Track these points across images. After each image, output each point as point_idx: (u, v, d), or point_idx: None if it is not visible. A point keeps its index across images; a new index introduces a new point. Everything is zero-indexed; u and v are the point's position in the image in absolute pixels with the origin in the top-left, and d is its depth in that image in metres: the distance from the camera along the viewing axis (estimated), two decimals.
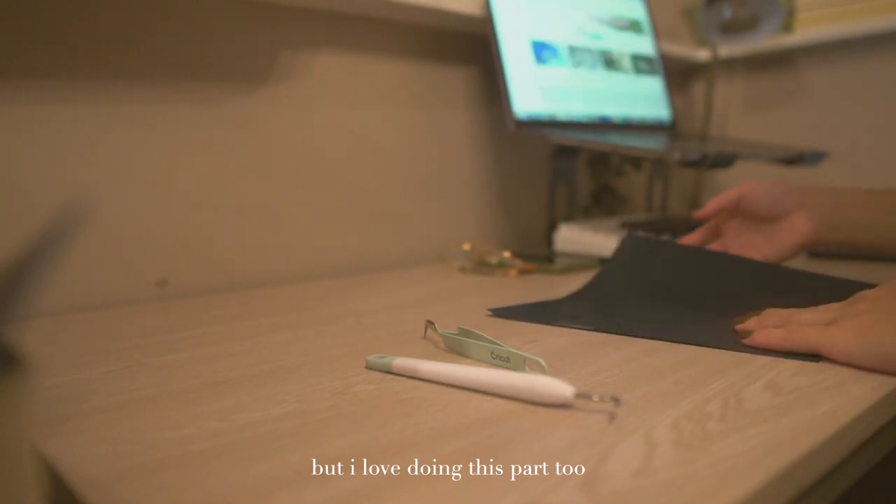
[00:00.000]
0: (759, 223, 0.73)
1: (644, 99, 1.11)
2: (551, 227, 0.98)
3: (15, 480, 0.19)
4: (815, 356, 0.45)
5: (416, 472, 0.29)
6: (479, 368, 0.40)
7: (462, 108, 1.02)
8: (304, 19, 0.83)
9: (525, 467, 0.30)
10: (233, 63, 0.77)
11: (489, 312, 0.61)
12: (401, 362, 0.43)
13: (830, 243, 0.70)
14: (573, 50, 1.02)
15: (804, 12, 1.23)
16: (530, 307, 0.62)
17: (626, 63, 1.10)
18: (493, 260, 0.86)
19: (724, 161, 0.83)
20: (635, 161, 1.23)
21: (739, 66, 1.36)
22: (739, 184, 0.74)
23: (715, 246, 0.75)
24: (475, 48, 1.01)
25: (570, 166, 1.03)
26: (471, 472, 0.29)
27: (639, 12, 1.16)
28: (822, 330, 0.45)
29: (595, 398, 0.36)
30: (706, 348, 0.48)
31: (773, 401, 0.38)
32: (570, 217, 1.05)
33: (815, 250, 0.92)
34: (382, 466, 0.30)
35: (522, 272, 0.83)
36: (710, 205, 0.75)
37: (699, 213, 0.76)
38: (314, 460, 0.31)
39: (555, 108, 0.96)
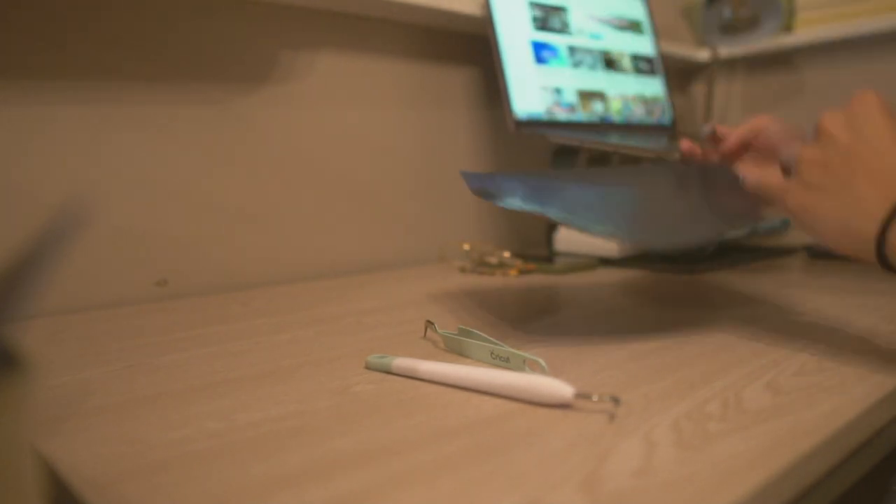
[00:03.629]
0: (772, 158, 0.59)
1: (644, 99, 1.11)
2: (551, 227, 0.98)
3: (15, 480, 0.19)
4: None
5: (416, 472, 0.29)
6: (479, 368, 0.40)
7: (462, 109, 1.02)
8: (304, 19, 0.83)
9: (525, 467, 0.30)
10: (233, 63, 0.77)
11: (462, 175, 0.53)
12: (400, 362, 0.43)
13: None
14: (573, 50, 1.02)
15: (804, 12, 1.23)
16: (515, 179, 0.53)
17: (626, 63, 1.10)
18: (493, 260, 0.86)
19: None
20: (635, 161, 1.23)
21: (739, 66, 1.36)
22: (754, 119, 0.62)
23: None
24: (475, 48, 1.01)
25: (570, 166, 1.03)
26: (471, 472, 0.29)
27: (639, 12, 1.16)
28: (783, 191, 0.45)
29: (595, 398, 0.36)
30: (706, 349, 0.48)
31: (773, 401, 0.38)
32: None
33: (817, 251, 0.92)
34: (382, 466, 0.30)
35: (522, 272, 0.83)
36: (733, 138, 0.60)
37: (726, 149, 0.60)
38: (314, 460, 0.31)
39: (555, 109, 0.96)
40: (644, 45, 1.15)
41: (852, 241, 0.39)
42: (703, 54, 1.35)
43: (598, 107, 1.03)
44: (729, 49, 1.29)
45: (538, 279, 0.79)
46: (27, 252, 0.19)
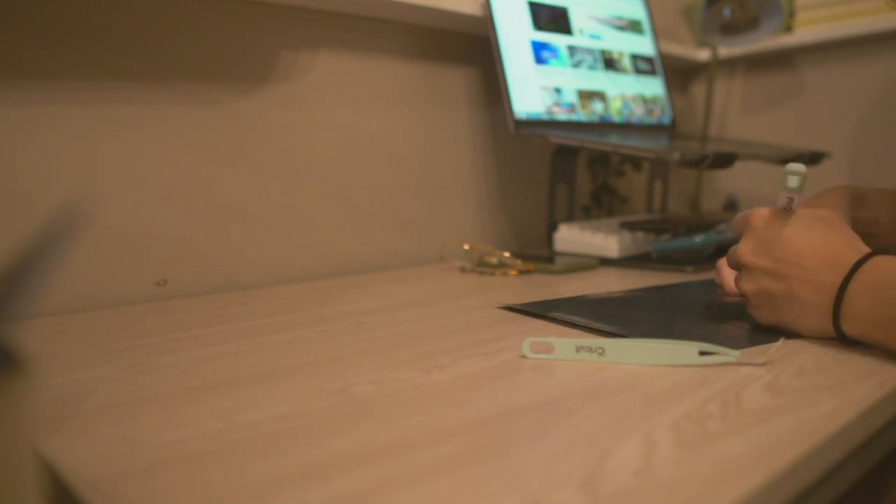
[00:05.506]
0: None
1: (644, 99, 1.11)
2: (551, 227, 0.98)
3: (15, 481, 0.19)
4: None
5: (415, 473, 0.29)
6: None
7: (462, 109, 1.02)
8: (304, 20, 0.83)
9: (525, 467, 0.30)
10: (233, 63, 0.77)
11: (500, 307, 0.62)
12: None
13: None
14: (573, 50, 1.02)
15: (804, 12, 1.23)
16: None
17: (626, 63, 1.10)
18: (493, 260, 0.86)
19: (724, 161, 0.83)
20: (635, 161, 1.23)
21: (739, 66, 1.36)
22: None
23: None
24: (475, 48, 1.01)
25: (570, 166, 1.03)
26: (471, 473, 0.29)
27: (639, 12, 1.16)
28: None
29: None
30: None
31: (773, 401, 0.38)
32: (570, 217, 1.05)
33: None
34: (382, 466, 0.30)
35: (522, 272, 0.83)
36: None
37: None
38: (314, 460, 0.31)
39: (555, 109, 0.96)
40: (644, 45, 1.15)
41: (817, 331, 0.49)
42: (703, 54, 1.35)
43: (598, 107, 1.03)
44: (729, 49, 1.29)
45: (538, 279, 0.79)
46: (27, 252, 0.19)
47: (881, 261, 0.46)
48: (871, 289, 0.45)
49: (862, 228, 0.71)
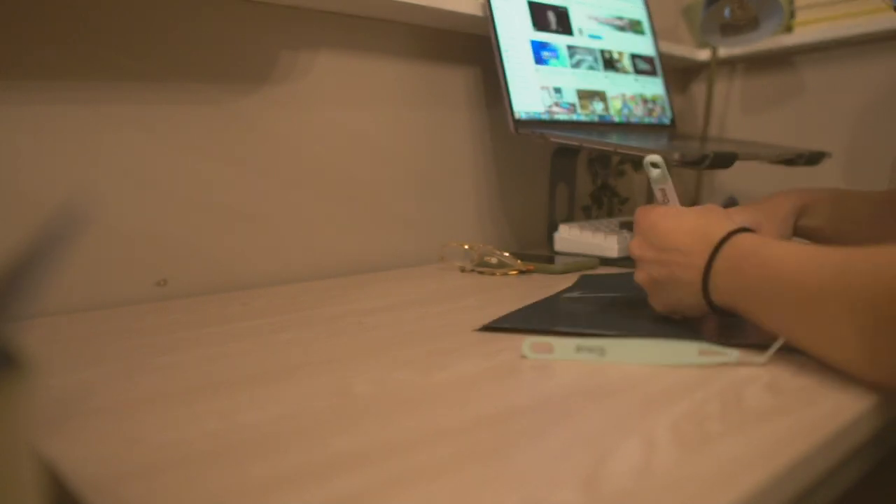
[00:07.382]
0: None
1: (644, 99, 1.11)
2: (551, 227, 0.98)
3: (15, 481, 0.19)
4: None
5: (416, 472, 0.29)
6: None
7: (462, 108, 1.02)
8: (304, 20, 0.83)
9: (525, 468, 0.30)
10: (233, 63, 0.77)
11: (479, 329, 0.55)
12: None
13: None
14: (573, 50, 1.02)
15: (804, 13, 1.23)
16: (525, 313, 0.59)
17: (626, 63, 1.10)
18: (493, 260, 0.85)
19: (724, 161, 0.83)
20: (635, 161, 1.23)
21: (739, 66, 1.36)
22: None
23: None
24: (475, 48, 1.01)
25: (570, 166, 1.03)
26: (471, 473, 0.29)
27: (639, 12, 1.16)
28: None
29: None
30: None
31: (773, 401, 0.38)
32: (570, 217, 1.04)
33: None
34: (382, 466, 0.30)
35: (522, 272, 0.83)
36: None
37: None
38: (314, 460, 0.31)
39: (555, 109, 0.96)
40: (644, 45, 1.15)
41: (697, 309, 0.52)
42: (703, 54, 1.35)
43: (598, 107, 1.03)
44: (729, 49, 1.29)
45: (538, 279, 0.79)
46: (28, 252, 0.19)
47: (742, 236, 0.49)
48: (731, 262, 0.49)
49: (805, 237, 0.72)
